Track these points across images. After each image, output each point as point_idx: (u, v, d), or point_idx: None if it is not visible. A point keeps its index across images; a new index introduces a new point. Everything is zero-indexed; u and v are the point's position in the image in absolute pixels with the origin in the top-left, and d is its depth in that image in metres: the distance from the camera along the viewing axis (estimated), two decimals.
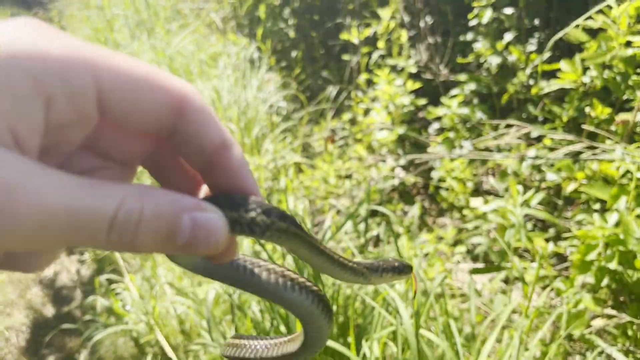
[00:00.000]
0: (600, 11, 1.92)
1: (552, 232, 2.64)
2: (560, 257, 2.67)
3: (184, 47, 5.25)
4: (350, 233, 3.04)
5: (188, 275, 3.39)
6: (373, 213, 3.43)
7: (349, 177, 3.75)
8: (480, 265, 2.76)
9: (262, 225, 0.42)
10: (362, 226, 2.96)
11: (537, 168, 2.61)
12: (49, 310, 3.71)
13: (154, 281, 3.18)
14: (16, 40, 0.35)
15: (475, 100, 3.28)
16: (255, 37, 5.43)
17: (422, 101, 3.46)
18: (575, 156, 2.07)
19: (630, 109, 2.07)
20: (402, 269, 0.66)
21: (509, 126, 3.24)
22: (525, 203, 2.02)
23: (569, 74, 1.98)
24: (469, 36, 3.21)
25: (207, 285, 3.03)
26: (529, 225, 2.75)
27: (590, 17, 1.89)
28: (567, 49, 2.61)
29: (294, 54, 4.95)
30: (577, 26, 1.97)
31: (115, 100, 0.38)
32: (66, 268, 4.11)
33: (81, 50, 0.37)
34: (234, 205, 0.41)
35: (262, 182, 3.65)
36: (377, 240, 3.22)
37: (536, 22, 3.24)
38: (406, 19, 3.92)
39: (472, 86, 3.18)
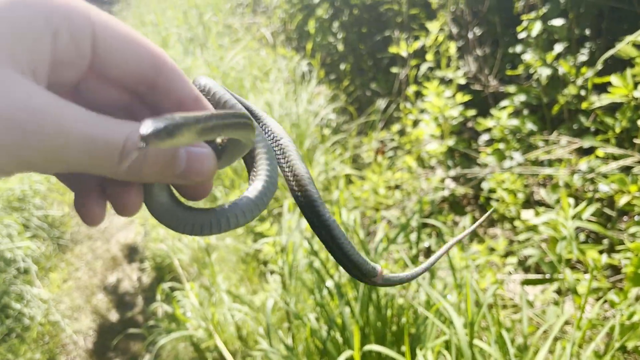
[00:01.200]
0: None
1: (606, 243, 2.64)
2: (615, 269, 2.65)
3: (237, 62, 5.44)
4: (402, 244, 3.11)
5: (245, 284, 3.53)
6: (424, 224, 3.49)
7: (398, 187, 3.81)
8: (532, 276, 2.78)
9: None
10: (413, 237, 3.03)
11: (590, 179, 2.61)
12: (114, 315, 3.92)
13: (212, 289, 3.33)
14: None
15: (526, 112, 3.30)
16: (304, 50, 5.58)
17: (471, 112, 3.50)
18: (628, 169, 2.08)
19: None
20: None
21: (561, 135, 3.24)
22: (577, 215, 2.04)
23: (619, 88, 2.00)
24: (518, 48, 3.23)
25: (263, 294, 3.15)
26: (582, 237, 2.75)
27: None
28: (619, 61, 2.61)
29: (342, 66, 5.06)
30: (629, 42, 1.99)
31: (106, 47, 0.44)
32: (128, 276, 4.33)
33: (80, 1, 0.43)
34: None
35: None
36: (428, 251, 3.27)
37: (587, 32, 3.23)
38: (454, 30, 3.96)
39: (521, 97, 3.20)
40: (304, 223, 2.90)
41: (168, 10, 9.16)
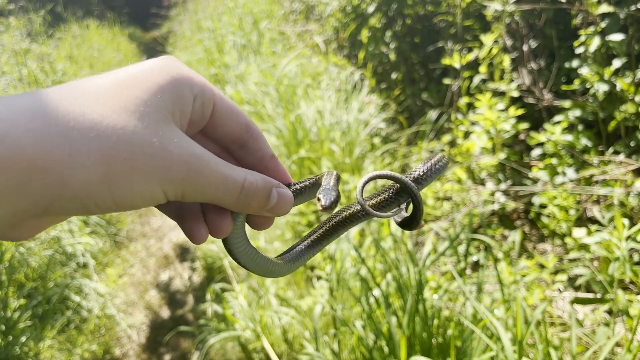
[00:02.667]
0: None
1: None
2: None
3: (290, 69, 5.54)
4: (449, 256, 3.12)
5: (292, 288, 3.61)
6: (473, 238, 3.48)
7: (448, 199, 3.82)
8: (582, 294, 2.74)
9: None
10: (461, 249, 3.03)
11: None
12: (165, 312, 4.08)
13: (261, 292, 3.42)
14: (178, 65, 0.56)
15: (580, 127, 3.25)
16: (356, 58, 5.64)
17: (524, 125, 3.47)
18: None
19: None
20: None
21: (616, 152, 3.17)
22: (632, 237, 2.02)
23: None
24: (575, 63, 3.19)
25: (309, 298, 3.22)
26: (636, 257, 2.69)
27: None
28: None
29: (394, 76, 5.09)
30: None
31: (219, 114, 0.60)
32: (179, 274, 4.49)
33: (205, 79, 0.59)
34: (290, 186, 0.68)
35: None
36: (475, 265, 3.27)
37: None
38: (509, 43, 3.94)
39: (576, 112, 3.16)
40: (353, 232, 2.96)
41: (224, 16, 9.39)
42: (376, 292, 2.45)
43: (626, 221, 2.10)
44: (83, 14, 13.44)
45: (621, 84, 2.58)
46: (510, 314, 2.13)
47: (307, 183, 0.71)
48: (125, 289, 4.37)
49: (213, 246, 4.33)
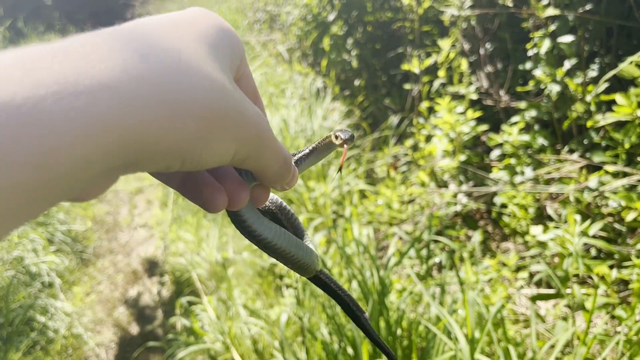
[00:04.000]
0: None
1: (618, 257, 2.65)
2: (627, 283, 2.67)
3: (254, 78, 5.54)
4: (414, 258, 3.15)
5: (261, 297, 3.60)
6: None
7: (412, 202, 3.86)
8: (544, 290, 2.80)
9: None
10: (426, 252, 3.07)
11: (601, 194, 2.64)
12: (134, 329, 4.02)
13: (229, 303, 3.41)
14: (218, 16, 0.51)
15: (537, 127, 3.33)
16: (319, 66, 5.67)
17: (483, 127, 3.55)
18: (634, 187, 2.11)
19: None
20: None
21: (571, 150, 3.26)
22: (584, 232, 2.08)
23: (624, 107, 2.04)
24: (528, 65, 3.27)
25: (279, 308, 3.22)
26: (593, 252, 2.77)
27: None
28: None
29: (356, 82, 5.14)
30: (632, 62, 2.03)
31: (242, 75, 0.55)
32: (148, 289, 4.43)
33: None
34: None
35: (328, 208, 3.83)
36: (440, 266, 3.31)
37: (597, 48, 3.26)
38: (466, 47, 4.02)
39: (532, 113, 3.24)
40: (317, 239, 2.97)
41: None
42: None
43: (578, 218, 2.16)
44: (44, 29, 13.22)
45: (570, 84, 2.66)
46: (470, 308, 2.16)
47: (304, 153, 0.68)
48: (93, 307, 4.30)
49: (181, 259, 4.30)
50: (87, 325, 4.06)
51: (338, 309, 2.41)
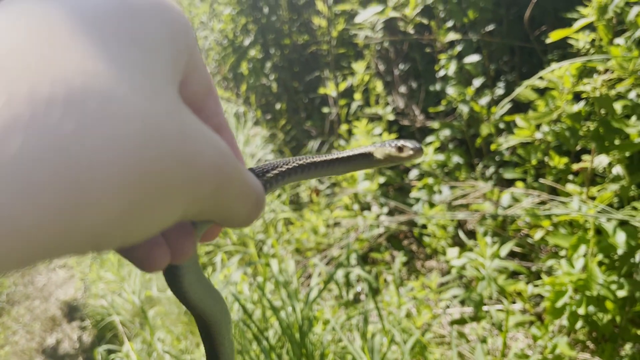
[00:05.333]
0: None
1: (530, 274, 2.71)
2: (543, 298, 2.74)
3: None
4: (342, 285, 3.11)
5: (187, 338, 3.45)
6: (363, 261, 3.51)
7: (338, 225, 3.84)
8: (468, 309, 2.83)
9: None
10: (352, 276, 3.05)
11: (509, 213, 2.70)
12: None
13: (151, 348, 3.24)
14: None
15: (451, 145, 3.40)
16: (240, 90, 5.60)
17: None
18: (540, 205, 2.17)
19: (589, 153, 2.18)
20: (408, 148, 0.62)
21: (486, 166, 3.34)
22: (495, 254, 2.11)
23: (523, 130, 2.10)
24: (438, 86, 3.34)
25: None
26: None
27: (541, 78, 2.01)
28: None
29: (278, 106, 5.10)
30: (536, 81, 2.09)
31: (192, 67, 0.40)
32: (68, 336, 4.17)
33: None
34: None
35: (254, 236, 3.74)
36: (371, 290, 3.29)
37: (502, 66, 3.38)
38: (381, 67, 4.07)
39: (446, 132, 3.30)
40: (235, 276, 2.88)
41: None
42: (267, 336, 2.38)
43: (489, 240, 2.19)
44: None
45: (474, 106, 2.72)
46: (390, 338, 2.14)
47: (274, 173, 0.55)
48: None
49: (103, 301, 4.08)
50: None
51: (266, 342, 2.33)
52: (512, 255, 2.93)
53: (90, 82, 0.25)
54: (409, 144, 0.60)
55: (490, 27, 3.15)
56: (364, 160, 0.62)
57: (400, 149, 0.59)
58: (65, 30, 0.26)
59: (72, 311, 4.48)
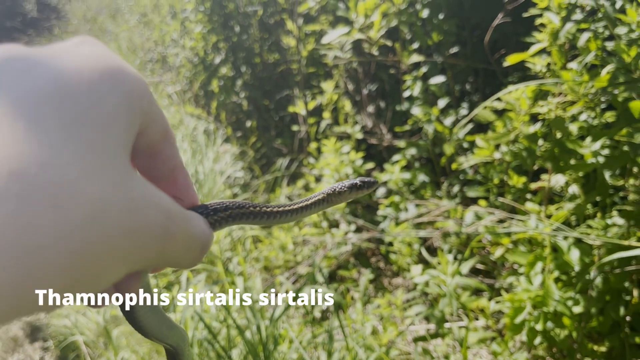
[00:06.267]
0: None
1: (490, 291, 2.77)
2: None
3: None
4: (309, 302, 3.11)
5: (152, 357, 3.40)
6: (331, 278, 3.53)
7: (306, 242, 3.85)
8: (432, 326, 2.86)
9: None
10: (319, 294, 3.05)
11: (472, 231, 2.76)
12: None
13: None
14: (115, 59, 0.37)
15: (417, 164, 3.46)
16: (211, 108, 5.60)
17: (369, 165, 3.62)
18: (500, 222, 2.22)
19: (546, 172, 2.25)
20: (361, 185, 0.69)
21: (451, 184, 3.41)
22: (457, 272, 2.15)
23: (483, 150, 2.16)
24: (405, 105, 3.40)
25: None
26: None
27: (499, 99, 2.08)
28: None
29: (248, 123, 5.12)
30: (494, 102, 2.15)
31: (148, 120, 0.41)
32: (30, 357, 4.06)
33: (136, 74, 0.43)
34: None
35: (220, 255, 3.72)
36: (338, 307, 3.30)
37: (467, 86, 3.46)
38: (350, 87, 4.13)
39: (412, 151, 3.36)
40: (200, 295, 2.86)
41: None
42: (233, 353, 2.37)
43: (451, 257, 2.23)
44: None
45: (437, 126, 2.78)
46: (352, 356, 2.15)
47: (226, 214, 0.55)
48: None
49: (66, 320, 3.99)
50: None
51: None
52: (476, 272, 2.98)
53: (32, 170, 0.27)
54: (363, 182, 0.64)
55: (455, 50, 3.23)
56: (320, 205, 0.67)
57: (353, 187, 0.64)
58: (4, 116, 0.28)
59: (34, 331, 4.37)
